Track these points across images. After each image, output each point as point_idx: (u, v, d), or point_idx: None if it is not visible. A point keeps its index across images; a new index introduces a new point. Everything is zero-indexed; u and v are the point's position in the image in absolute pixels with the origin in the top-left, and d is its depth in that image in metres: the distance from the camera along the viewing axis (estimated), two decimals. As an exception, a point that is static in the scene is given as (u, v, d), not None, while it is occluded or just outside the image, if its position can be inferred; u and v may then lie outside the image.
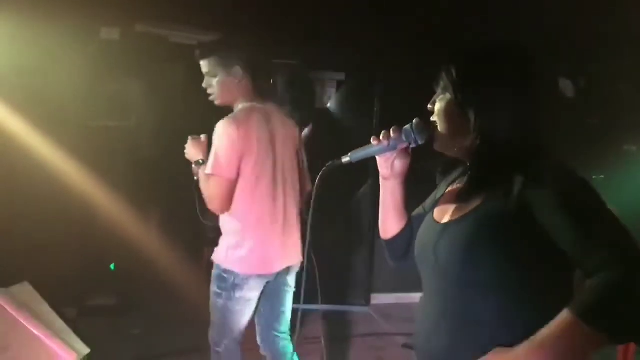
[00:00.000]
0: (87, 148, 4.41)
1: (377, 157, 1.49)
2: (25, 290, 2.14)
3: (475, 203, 1.31)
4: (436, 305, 1.35)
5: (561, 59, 4.93)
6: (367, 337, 4.63)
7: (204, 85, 2.53)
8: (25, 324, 1.92)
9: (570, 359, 1.07)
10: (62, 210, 4.24)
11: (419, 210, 1.60)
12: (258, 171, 2.43)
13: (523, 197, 1.20)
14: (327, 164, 1.47)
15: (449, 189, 1.49)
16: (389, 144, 1.43)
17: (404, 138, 1.42)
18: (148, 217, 4.93)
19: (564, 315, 1.08)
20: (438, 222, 1.39)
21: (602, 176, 4.99)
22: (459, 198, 1.36)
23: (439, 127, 1.37)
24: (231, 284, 2.51)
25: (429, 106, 1.40)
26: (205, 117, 4.71)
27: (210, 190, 2.39)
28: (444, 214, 1.40)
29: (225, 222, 2.58)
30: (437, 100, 1.37)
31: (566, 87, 5.06)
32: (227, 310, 2.57)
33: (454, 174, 1.54)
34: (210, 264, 5.23)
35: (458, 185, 1.45)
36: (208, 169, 2.37)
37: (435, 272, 1.35)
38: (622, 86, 4.90)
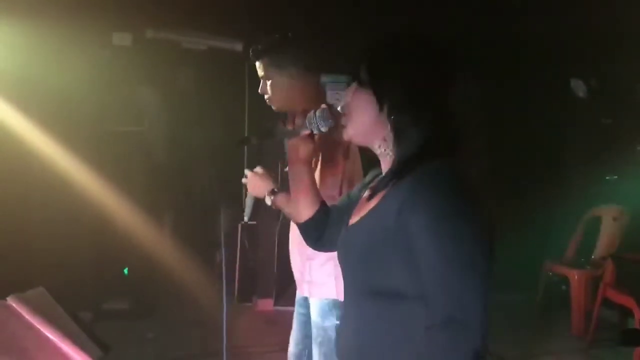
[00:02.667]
0: (100, 153, 4.45)
1: (285, 142, 1.55)
2: (41, 295, 2.15)
3: (374, 203, 1.26)
4: (349, 308, 1.36)
5: (574, 59, 4.91)
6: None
7: (260, 90, 2.32)
8: (40, 328, 1.93)
9: None
10: (76, 215, 4.29)
11: (343, 199, 1.59)
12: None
13: (403, 205, 1.16)
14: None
15: (368, 188, 1.42)
16: (293, 129, 1.52)
17: (307, 124, 1.48)
18: (161, 222, 4.96)
19: None
20: (347, 224, 1.37)
21: (615, 177, 4.95)
22: (368, 198, 1.32)
23: (353, 117, 1.30)
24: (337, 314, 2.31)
25: (336, 99, 1.45)
26: (217, 121, 4.76)
27: None
28: (354, 216, 1.36)
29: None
30: (354, 90, 1.30)
31: (578, 87, 5.03)
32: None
33: (376, 171, 1.47)
34: (224, 269, 5.26)
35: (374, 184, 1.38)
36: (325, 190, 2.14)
37: (346, 275, 1.36)
38: (636, 86, 4.86)
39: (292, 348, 2.53)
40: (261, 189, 2.19)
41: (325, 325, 2.24)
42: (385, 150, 1.29)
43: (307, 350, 2.44)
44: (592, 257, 4.81)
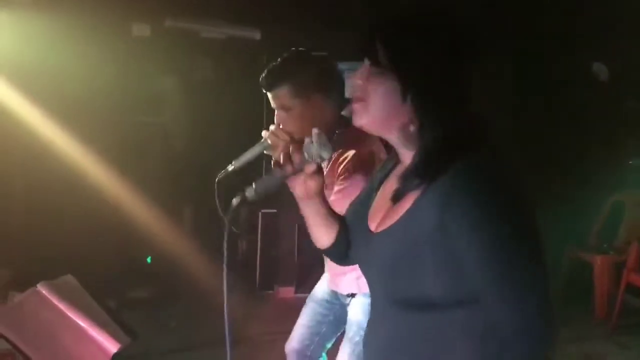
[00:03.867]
0: (121, 143, 4.49)
1: (287, 182, 1.31)
2: (69, 282, 2.19)
3: (405, 208, 1.15)
4: (378, 318, 1.29)
5: (596, 42, 4.83)
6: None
7: (276, 120, 2.07)
8: (70, 314, 1.97)
9: None
10: (100, 205, 4.33)
11: (354, 207, 1.43)
12: None
13: (445, 203, 1.07)
14: (234, 203, 1.31)
15: (383, 188, 1.33)
16: (294, 169, 1.26)
17: (306, 157, 1.24)
18: (183, 211, 5.00)
19: None
20: (371, 231, 1.26)
21: (639, 161, 4.88)
22: (393, 199, 1.19)
23: (370, 103, 1.16)
24: None
25: (358, 81, 1.18)
26: (236, 111, 4.77)
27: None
28: (377, 220, 1.25)
29: None
30: (372, 74, 1.16)
31: (600, 70, 4.95)
32: None
33: (385, 168, 1.36)
34: (245, 257, 5.30)
35: (392, 182, 1.27)
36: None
37: (374, 285, 1.28)
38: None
39: (295, 344, 2.43)
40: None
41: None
42: (406, 141, 1.18)
43: (312, 346, 2.40)
44: (616, 242, 4.77)
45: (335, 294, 2.35)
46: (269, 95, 2.08)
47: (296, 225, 5.02)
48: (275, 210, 5.08)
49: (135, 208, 4.52)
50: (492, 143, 1.14)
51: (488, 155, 1.11)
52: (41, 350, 1.79)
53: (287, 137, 2.01)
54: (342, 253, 1.40)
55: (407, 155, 1.20)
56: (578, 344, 4.05)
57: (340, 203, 1.87)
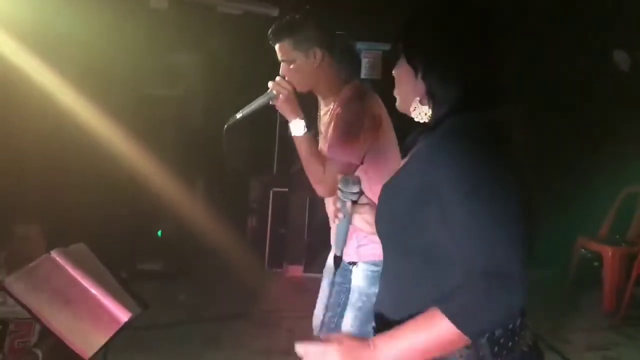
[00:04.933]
0: (135, 116, 4.49)
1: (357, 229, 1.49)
2: (82, 250, 2.20)
3: (402, 164, 1.32)
4: (387, 272, 1.38)
5: (618, 29, 4.75)
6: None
7: (280, 72, 2.20)
8: (82, 282, 1.98)
9: (432, 352, 1.11)
10: (111, 177, 4.35)
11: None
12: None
13: (430, 159, 1.17)
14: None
15: None
16: (344, 215, 1.45)
17: (344, 199, 1.44)
18: (194, 186, 5.01)
19: (432, 309, 1.10)
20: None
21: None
22: (402, 158, 1.38)
23: (397, 88, 1.36)
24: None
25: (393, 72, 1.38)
26: (251, 87, 4.75)
27: (333, 176, 2.09)
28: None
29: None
30: (398, 63, 1.35)
31: (622, 59, 4.88)
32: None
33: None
34: (255, 236, 5.32)
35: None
36: (339, 154, 2.11)
37: (379, 232, 1.36)
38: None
39: (319, 317, 2.47)
40: (290, 110, 2.13)
41: (369, 292, 2.18)
42: (420, 113, 1.31)
43: (336, 318, 2.41)
44: (627, 234, 4.74)
45: (346, 263, 2.37)
46: (276, 48, 2.19)
47: (307, 204, 5.03)
48: (286, 189, 5.09)
49: (148, 181, 4.54)
50: (499, 110, 1.23)
51: (480, 116, 1.19)
52: (54, 315, 1.81)
53: (289, 87, 2.14)
54: None
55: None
56: (586, 335, 4.06)
57: (339, 147, 2.08)
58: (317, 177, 2.14)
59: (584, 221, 4.89)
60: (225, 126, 2.18)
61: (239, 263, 4.62)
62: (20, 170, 4.20)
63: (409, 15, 1.32)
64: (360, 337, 1.18)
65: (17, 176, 4.15)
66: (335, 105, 2.23)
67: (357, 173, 2.11)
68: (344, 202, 1.45)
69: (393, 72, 1.37)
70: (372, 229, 1.45)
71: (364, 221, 1.46)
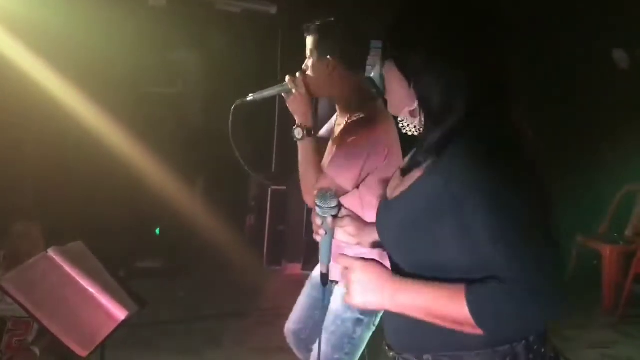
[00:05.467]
0: (134, 114, 4.49)
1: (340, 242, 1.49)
2: (79, 248, 2.20)
3: (415, 176, 1.24)
4: None
5: (617, 28, 4.75)
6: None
7: (303, 66, 2.18)
8: (79, 280, 1.98)
9: (436, 321, 1.12)
10: (110, 175, 4.34)
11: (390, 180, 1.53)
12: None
13: (446, 177, 1.13)
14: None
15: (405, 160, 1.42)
16: (325, 232, 1.41)
17: (323, 215, 1.40)
18: (193, 183, 5.01)
19: (458, 288, 1.10)
20: (387, 199, 1.35)
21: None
22: (404, 171, 1.30)
23: (387, 91, 1.32)
24: None
25: (383, 71, 1.34)
26: (250, 84, 4.75)
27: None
28: (392, 188, 1.35)
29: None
30: (385, 65, 1.30)
31: (621, 58, 4.87)
32: (362, 342, 2.18)
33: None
34: (253, 234, 5.33)
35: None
36: (333, 172, 2.06)
37: (390, 251, 1.34)
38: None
39: (291, 325, 2.45)
40: (300, 110, 2.10)
41: (344, 317, 2.11)
42: (409, 125, 1.30)
43: (307, 331, 2.38)
44: (626, 233, 4.74)
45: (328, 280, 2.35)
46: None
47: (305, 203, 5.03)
48: (284, 188, 5.09)
49: (146, 179, 4.54)
50: (505, 117, 1.19)
51: (494, 130, 1.16)
52: (50, 313, 1.81)
53: (303, 88, 2.10)
54: None
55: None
56: (585, 333, 4.06)
57: (340, 169, 2.03)
58: (307, 187, 2.09)
59: (583, 220, 4.89)
60: (234, 105, 2.16)
61: (238, 261, 4.62)
62: (18, 168, 4.20)
63: (397, 25, 1.28)
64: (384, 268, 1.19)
65: (16, 174, 4.16)
66: (347, 123, 2.16)
67: (350, 195, 2.08)
68: (324, 218, 1.40)
69: (385, 72, 1.33)
70: (356, 240, 1.47)
71: (346, 234, 1.46)
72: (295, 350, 2.50)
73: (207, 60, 4.86)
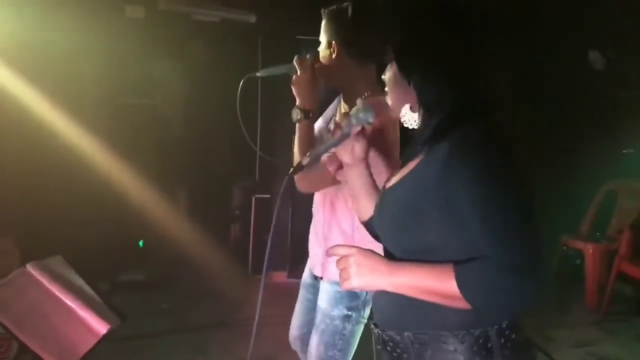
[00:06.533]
0: (113, 126, 4.46)
1: (335, 149, 1.49)
2: (59, 262, 2.19)
3: (411, 166, 1.32)
4: None
5: (591, 30, 4.81)
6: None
7: (319, 48, 2.19)
8: (59, 295, 1.96)
9: (428, 297, 1.21)
10: (92, 187, 4.31)
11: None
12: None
13: (444, 167, 1.20)
14: (289, 172, 1.47)
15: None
16: (343, 132, 1.43)
17: (354, 121, 1.42)
18: (175, 195, 4.99)
19: (447, 265, 1.18)
20: (385, 189, 1.42)
21: (632, 150, 4.89)
22: (403, 163, 1.39)
23: (389, 92, 1.40)
24: (363, 300, 2.16)
25: (382, 76, 1.42)
26: (227, 93, 4.74)
27: (316, 176, 2.03)
28: (391, 179, 1.42)
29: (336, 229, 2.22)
30: (387, 69, 1.39)
31: (596, 59, 4.94)
32: (353, 337, 2.19)
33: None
34: (238, 241, 5.31)
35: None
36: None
37: (384, 239, 1.39)
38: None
39: (295, 331, 2.44)
40: (304, 95, 2.08)
41: (332, 314, 2.12)
42: (409, 120, 1.36)
43: (309, 334, 2.32)
44: (608, 231, 4.79)
45: (315, 278, 2.33)
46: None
47: (289, 210, 5.03)
48: (268, 196, 5.08)
49: (127, 191, 4.51)
50: (495, 114, 1.26)
51: (486, 123, 1.23)
52: (29, 330, 1.79)
53: (308, 71, 2.09)
54: None
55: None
56: (569, 331, 4.09)
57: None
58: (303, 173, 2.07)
59: (565, 219, 4.94)
60: (242, 80, 2.20)
61: (223, 270, 4.60)
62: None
63: (399, 25, 1.34)
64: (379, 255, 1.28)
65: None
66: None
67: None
68: (351, 124, 1.42)
69: (383, 76, 1.41)
70: (352, 165, 1.50)
71: (353, 151, 1.48)
72: (301, 355, 2.49)
73: (186, 71, 4.85)
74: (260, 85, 4.61)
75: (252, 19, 4.62)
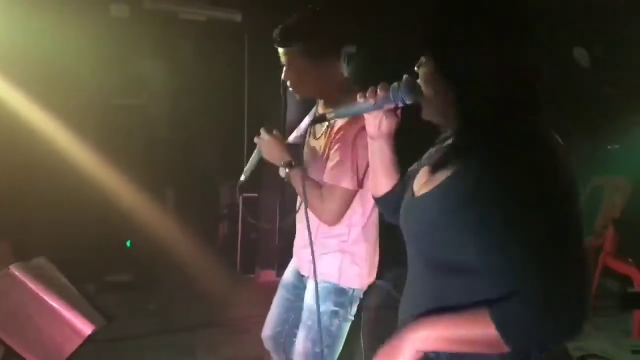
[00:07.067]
0: (99, 126, 4.43)
1: (364, 115, 1.42)
2: (43, 264, 2.17)
3: (447, 174, 1.24)
4: (415, 282, 1.35)
5: (577, 27, 4.85)
6: (383, 310, 4.66)
7: (282, 77, 2.13)
8: (43, 296, 1.95)
9: (464, 348, 1.15)
10: (78, 188, 4.28)
11: (414, 168, 1.52)
12: None
13: (485, 172, 1.13)
14: (310, 120, 1.43)
15: (432, 156, 1.43)
16: (375, 103, 1.34)
17: (390, 97, 1.32)
18: (162, 195, 4.97)
19: (482, 311, 1.12)
20: (414, 196, 1.35)
21: (617, 146, 4.93)
22: (435, 167, 1.31)
23: (423, 91, 1.28)
24: (350, 297, 2.19)
25: (415, 68, 1.30)
26: (216, 93, 4.74)
27: (336, 204, 2.04)
28: (420, 186, 1.35)
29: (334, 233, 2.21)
30: (422, 64, 1.28)
31: (582, 56, 4.97)
32: (340, 334, 2.21)
33: (442, 137, 1.46)
34: (226, 242, 5.29)
35: (438, 153, 1.38)
36: (340, 181, 2.04)
37: (413, 249, 1.35)
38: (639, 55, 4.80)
39: (268, 330, 2.45)
40: (275, 155, 2.10)
41: (320, 310, 2.12)
42: (446, 122, 1.28)
43: (284, 334, 2.38)
44: (593, 226, 4.82)
45: (300, 278, 2.35)
46: (280, 50, 2.09)
47: (277, 209, 5.03)
48: (256, 195, 5.07)
49: (115, 191, 4.48)
50: (533, 120, 1.19)
51: (525, 136, 1.15)
52: (13, 331, 1.78)
53: (266, 136, 2.14)
54: (395, 205, 1.47)
55: (450, 129, 1.32)
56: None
57: (338, 174, 2.02)
58: (318, 208, 2.06)
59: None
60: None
61: (211, 270, 4.59)
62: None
63: (437, 27, 1.25)
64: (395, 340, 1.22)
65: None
66: (333, 123, 2.11)
67: (357, 200, 2.08)
68: (387, 98, 1.32)
69: (419, 81, 1.30)
70: (373, 135, 1.45)
71: (377, 124, 1.43)
72: (275, 356, 2.50)
73: (173, 70, 4.82)
74: (247, 87, 4.61)
75: (238, 17, 4.60)
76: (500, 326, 1.09)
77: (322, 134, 2.17)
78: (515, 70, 1.19)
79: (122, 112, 4.71)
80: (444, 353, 1.21)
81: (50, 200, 4.21)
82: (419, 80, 1.29)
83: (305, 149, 2.28)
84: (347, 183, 2.02)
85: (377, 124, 1.42)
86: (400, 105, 1.33)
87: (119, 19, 4.38)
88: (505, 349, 1.10)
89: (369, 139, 1.48)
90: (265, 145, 2.12)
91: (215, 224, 5.36)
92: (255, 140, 2.15)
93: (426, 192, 1.27)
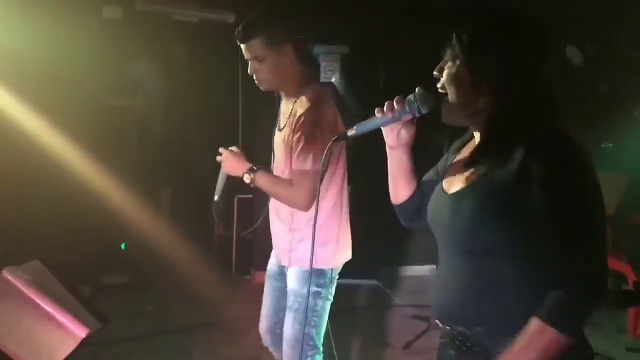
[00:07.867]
0: (93, 127, 4.43)
1: (382, 127, 1.48)
2: (36, 267, 2.17)
3: (480, 171, 1.33)
4: (453, 272, 1.40)
5: (569, 25, 4.86)
6: (376, 309, 4.67)
7: (249, 71, 2.22)
8: (36, 300, 1.95)
9: None
10: (73, 190, 4.28)
11: (430, 174, 1.61)
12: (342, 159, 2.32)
13: (522, 167, 1.23)
14: (333, 138, 1.50)
15: (456, 157, 1.50)
16: (393, 116, 1.41)
17: (407, 109, 1.40)
18: (157, 196, 4.97)
19: (533, 322, 1.20)
20: (447, 192, 1.41)
21: (610, 144, 4.95)
22: (466, 165, 1.38)
23: (449, 94, 1.36)
24: (329, 277, 2.29)
25: (435, 73, 1.38)
26: (208, 94, 4.74)
27: (306, 187, 2.11)
28: (452, 183, 1.41)
29: (303, 219, 2.29)
30: (445, 67, 1.35)
31: (574, 54, 4.99)
32: (324, 313, 2.33)
33: (462, 140, 1.55)
34: (221, 242, 5.29)
35: (465, 153, 1.47)
36: (307, 165, 2.13)
37: (449, 242, 1.39)
38: (632, 52, 4.82)
39: (264, 323, 2.53)
40: (236, 168, 2.24)
41: (303, 292, 2.23)
42: (475, 120, 1.36)
43: (279, 324, 2.43)
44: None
45: (282, 267, 2.42)
46: (243, 47, 2.19)
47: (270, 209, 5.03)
48: (251, 196, 5.07)
49: (109, 193, 4.48)
50: (559, 121, 1.30)
51: (559, 128, 1.27)
52: (7, 336, 1.77)
53: (225, 152, 2.30)
54: (414, 210, 1.58)
55: (477, 130, 1.41)
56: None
57: (304, 159, 2.12)
58: (289, 197, 2.18)
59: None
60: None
61: (206, 271, 4.59)
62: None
63: (479, 33, 1.32)
64: None
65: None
66: (294, 108, 2.23)
67: (323, 185, 2.15)
68: (404, 111, 1.40)
69: (444, 77, 1.36)
70: (391, 144, 1.50)
71: (395, 135, 1.48)
72: (273, 350, 2.58)
73: (166, 71, 4.83)
74: (241, 88, 4.61)
75: (231, 19, 4.60)
76: (555, 324, 1.18)
77: (285, 125, 2.28)
78: (542, 77, 1.31)
79: (115, 113, 4.72)
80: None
81: (45, 203, 4.21)
82: (440, 84, 1.37)
83: (274, 142, 2.39)
84: (312, 165, 2.12)
85: (396, 134, 1.48)
86: (417, 115, 1.41)
87: (112, 21, 4.38)
88: (569, 340, 1.19)
89: (388, 149, 1.54)
90: (225, 161, 2.26)
91: (209, 225, 5.36)
92: (218, 159, 2.29)
93: (462, 188, 1.35)
